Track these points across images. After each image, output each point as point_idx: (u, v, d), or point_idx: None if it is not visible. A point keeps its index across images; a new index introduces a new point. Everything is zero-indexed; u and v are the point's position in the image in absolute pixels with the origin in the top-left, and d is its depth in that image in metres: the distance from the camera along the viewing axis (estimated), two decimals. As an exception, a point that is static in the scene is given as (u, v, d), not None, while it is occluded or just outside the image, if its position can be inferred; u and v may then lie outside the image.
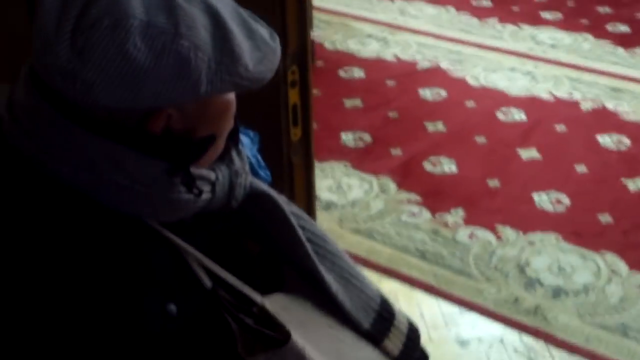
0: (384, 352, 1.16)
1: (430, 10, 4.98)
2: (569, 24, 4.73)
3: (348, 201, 3.15)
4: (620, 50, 4.37)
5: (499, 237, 2.91)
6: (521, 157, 3.43)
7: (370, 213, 3.07)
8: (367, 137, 3.59)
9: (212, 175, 0.99)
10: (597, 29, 4.65)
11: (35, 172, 0.92)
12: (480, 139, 3.56)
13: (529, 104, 3.86)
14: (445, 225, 2.99)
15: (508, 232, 2.94)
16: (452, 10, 4.97)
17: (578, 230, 2.94)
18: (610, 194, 3.15)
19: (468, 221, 3.01)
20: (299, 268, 1.12)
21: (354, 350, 1.12)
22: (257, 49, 0.93)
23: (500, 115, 3.76)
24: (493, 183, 3.24)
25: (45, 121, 0.90)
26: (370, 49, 4.47)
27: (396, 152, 3.47)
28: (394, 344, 1.17)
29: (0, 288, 0.88)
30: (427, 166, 3.36)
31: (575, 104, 3.85)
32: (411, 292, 2.66)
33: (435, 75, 4.16)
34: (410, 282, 2.70)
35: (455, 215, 3.04)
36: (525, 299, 2.61)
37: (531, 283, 2.68)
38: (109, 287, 0.89)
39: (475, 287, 2.67)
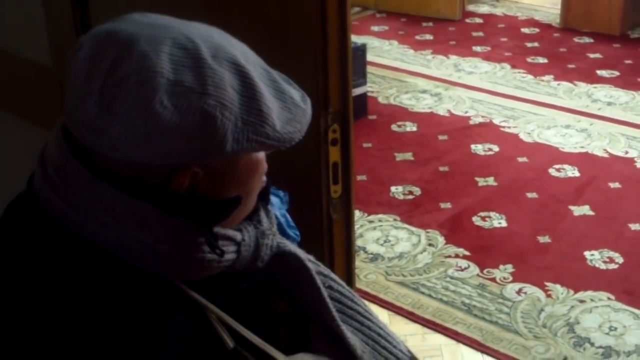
0: None
1: (485, 66, 4.99)
2: (625, 82, 4.69)
3: (395, 254, 3.13)
4: (679, 109, 4.30)
5: (548, 295, 2.85)
6: (573, 213, 3.37)
7: (417, 266, 3.05)
8: (417, 191, 3.58)
9: (237, 236, 0.98)
10: (655, 88, 4.59)
11: (61, 228, 0.92)
12: (532, 195, 3.52)
13: (583, 160, 3.81)
14: (493, 280, 2.94)
15: (558, 289, 2.88)
16: (507, 67, 4.97)
17: (631, 289, 2.86)
18: (665, 254, 3.06)
19: (517, 277, 2.95)
20: (325, 328, 1.10)
21: None
22: (287, 109, 0.93)
23: (552, 172, 3.72)
24: (544, 239, 3.19)
25: (73, 176, 0.91)
26: (423, 104, 4.49)
27: (445, 206, 3.45)
28: None
29: (19, 345, 0.87)
30: (477, 221, 3.32)
31: (630, 161, 3.78)
32: (456, 347, 2.62)
33: (487, 131, 4.15)
34: (456, 337, 2.65)
35: (504, 271, 2.99)
36: (574, 358, 2.53)
37: (581, 342, 2.61)
38: (130, 346, 0.87)
39: (522, 345, 2.60)
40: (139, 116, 0.85)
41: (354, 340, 1.09)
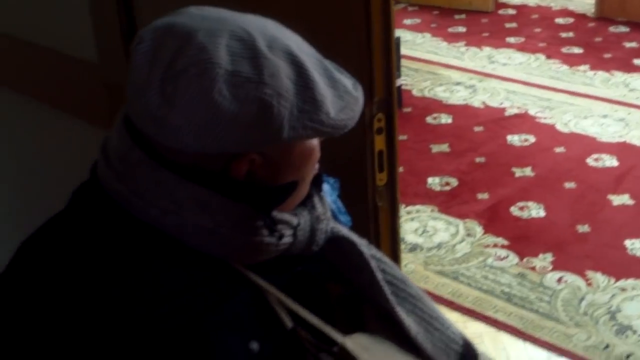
0: None
1: (520, 57, 4.98)
2: (663, 71, 4.65)
3: (434, 244, 3.15)
4: None
5: (589, 283, 2.85)
6: (612, 203, 3.36)
7: (456, 256, 3.06)
8: (454, 182, 3.59)
9: (294, 220, 1.01)
10: (693, 76, 4.54)
11: (125, 214, 0.96)
12: (570, 185, 3.51)
13: (621, 150, 3.79)
14: (533, 269, 2.94)
15: (599, 277, 2.87)
16: (541, 57, 4.95)
17: (672, 277, 2.85)
18: None
19: (557, 266, 2.95)
20: (379, 310, 1.12)
21: None
22: (340, 97, 0.96)
23: (590, 162, 3.71)
24: (583, 229, 3.18)
25: (136, 165, 0.95)
26: (458, 96, 4.49)
27: (483, 196, 3.46)
28: None
29: (86, 330, 0.90)
30: (515, 211, 3.33)
31: (669, 151, 3.76)
32: (497, 335, 2.63)
33: (523, 122, 4.14)
34: (496, 325, 2.66)
35: (544, 260, 2.99)
36: (616, 346, 2.53)
37: (623, 330, 2.61)
38: (194, 326, 0.91)
39: (564, 332, 2.61)
40: (199, 106, 0.88)
41: (408, 321, 1.11)
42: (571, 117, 4.15)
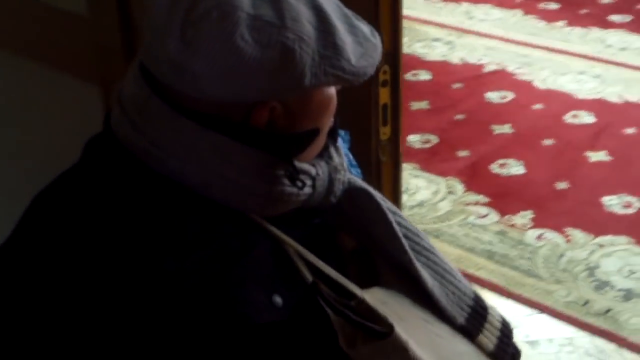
0: (479, 347, 1.15)
1: (497, 13, 4.96)
2: (639, 27, 4.66)
3: (416, 202, 3.17)
4: (693, 53, 4.29)
5: (568, 240, 2.90)
6: (590, 159, 3.40)
7: (438, 214, 3.09)
8: (434, 139, 3.60)
9: (312, 170, 1.00)
10: (669, 32, 4.58)
11: (141, 165, 0.94)
12: (548, 142, 3.54)
13: (598, 106, 3.82)
14: (513, 226, 2.98)
15: (577, 234, 2.92)
16: (519, 13, 4.94)
17: (649, 233, 2.91)
18: (682, 198, 3.10)
19: (537, 223, 2.99)
20: (395, 263, 1.12)
21: (451, 344, 1.11)
22: (359, 44, 0.95)
23: (568, 118, 3.74)
24: (561, 186, 3.22)
25: (155, 114, 0.93)
26: (436, 52, 4.48)
27: (463, 154, 3.48)
28: (489, 339, 1.16)
29: (111, 285, 0.89)
30: (495, 168, 3.35)
31: (646, 107, 3.80)
32: (480, 292, 2.66)
33: (501, 79, 4.15)
34: (479, 283, 2.70)
35: (524, 217, 3.03)
36: (596, 302, 2.59)
37: (601, 286, 2.66)
38: (219, 280, 0.90)
39: (544, 289, 2.66)
40: (220, 52, 0.87)
41: (424, 273, 1.11)
42: (549, 74, 4.17)
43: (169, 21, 0.89)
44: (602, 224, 2.98)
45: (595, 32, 4.63)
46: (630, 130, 3.60)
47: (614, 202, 3.10)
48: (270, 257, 0.98)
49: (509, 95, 3.97)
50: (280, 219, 1.00)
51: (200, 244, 0.92)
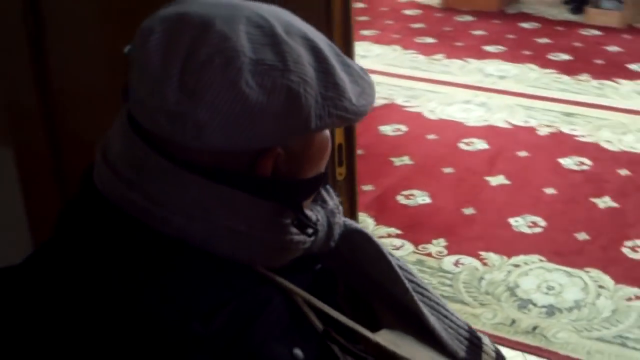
0: None
1: (377, 49, 5.09)
2: (512, 56, 4.90)
3: (330, 239, 3.15)
4: (566, 78, 4.54)
5: (484, 263, 2.95)
6: (490, 183, 3.50)
7: (355, 249, 3.07)
8: (338, 176, 3.61)
9: (313, 217, 0.96)
10: (540, 59, 4.83)
11: (140, 226, 0.87)
12: (448, 170, 3.63)
13: (488, 133, 3.96)
14: (430, 255, 3.01)
15: (492, 257, 2.98)
16: (398, 48, 5.08)
17: (558, 250, 3.01)
18: (582, 213, 3.24)
19: (451, 250, 3.04)
20: (395, 303, 1.09)
21: None
22: (355, 83, 0.91)
23: (462, 146, 3.84)
24: (468, 211, 3.29)
25: (155, 171, 0.86)
26: (325, 91, 4.52)
27: (368, 188, 3.50)
28: None
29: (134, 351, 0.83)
30: (401, 200, 3.39)
31: (532, 130, 3.96)
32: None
33: (392, 112, 4.23)
34: (407, 313, 2.70)
35: (438, 245, 3.07)
36: (522, 320, 2.64)
37: (524, 304, 2.72)
38: (242, 338, 0.85)
39: (471, 313, 2.69)
40: (226, 99, 0.81)
41: (426, 311, 1.09)
42: (436, 105, 4.29)
43: (165, 71, 0.83)
44: (512, 244, 3.06)
45: (474, 63, 4.82)
46: (522, 154, 3.74)
47: (520, 223, 3.19)
48: (284, 310, 0.92)
49: (402, 128, 4.05)
50: (283, 268, 0.95)
51: (221, 304, 0.85)
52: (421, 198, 3.39)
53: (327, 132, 0.96)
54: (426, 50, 5.04)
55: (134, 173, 0.87)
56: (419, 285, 1.12)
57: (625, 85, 4.41)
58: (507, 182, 3.50)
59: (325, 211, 0.99)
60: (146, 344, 0.81)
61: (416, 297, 1.10)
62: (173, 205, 0.86)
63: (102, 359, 0.82)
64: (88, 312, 0.84)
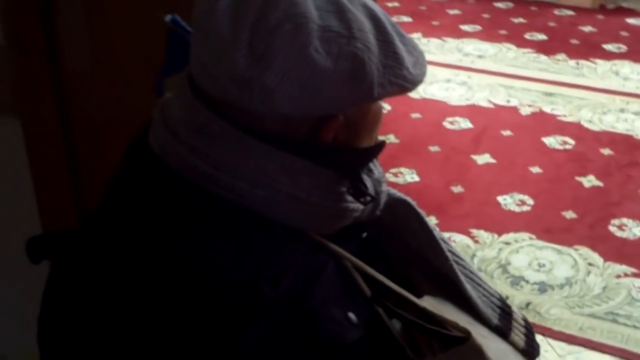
0: (512, 345, 1.18)
1: (356, 28, 5.08)
2: (489, 36, 4.94)
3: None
4: (543, 58, 4.60)
5: (475, 240, 3.00)
6: (477, 162, 3.55)
7: (348, 227, 3.10)
8: (326, 154, 3.62)
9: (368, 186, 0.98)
10: (517, 39, 4.88)
11: (199, 190, 0.89)
12: (434, 148, 3.67)
13: (471, 112, 4.00)
14: (421, 233, 3.05)
15: (483, 234, 3.04)
16: (376, 27, 5.08)
17: (547, 227, 3.07)
18: (568, 192, 3.30)
19: (442, 227, 3.07)
20: (434, 271, 1.12)
21: (495, 343, 1.13)
22: (410, 53, 0.93)
23: (447, 125, 3.88)
24: (457, 189, 3.34)
25: (218, 136, 0.87)
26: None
27: (356, 166, 3.52)
28: (519, 337, 1.19)
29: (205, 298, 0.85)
30: (390, 177, 3.42)
31: (514, 110, 4.02)
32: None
33: (375, 90, 4.25)
34: (405, 290, 2.74)
35: (429, 223, 3.11)
36: (515, 297, 2.70)
37: (516, 281, 2.78)
38: (306, 300, 0.88)
39: (466, 290, 2.73)
40: (295, 64, 0.83)
41: (463, 279, 1.12)
42: (418, 84, 4.32)
43: (233, 37, 0.83)
44: (502, 222, 3.12)
45: (451, 42, 4.85)
46: (506, 133, 3.79)
47: (508, 201, 3.25)
48: (338, 275, 0.95)
49: (386, 106, 4.06)
50: (333, 236, 0.97)
51: (285, 268, 0.88)
52: (410, 176, 3.43)
53: (380, 102, 0.97)
54: (403, 29, 5.01)
55: (196, 138, 0.88)
56: (456, 255, 1.16)
57: (602, 65, 4.49)
58: (493, 160, 3.56)
59: (372, 180, 1.01)
60: (222, 302, 0.84)
61: (454, 266, 1.13)
62: (236, 171, 0.87)
63: (178, 315, 0.84)
64: (162, 271, 0.86)
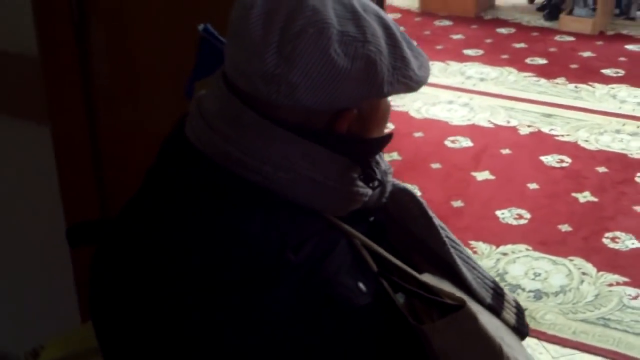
0: (504, 322, 1.30)
1: (362, 51, 5.24)
2: (490, 60, 5.10)
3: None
4: (543, 81, 4.75)
5: (474, 252, 3.13)
6: (476, 179, 3.68)
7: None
8: (331, 169, 3.76)
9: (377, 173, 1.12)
10: (518, 63, 5.04)
11: (232, 174, 1.02)
12: (436, 166, 3.80)
13: (472, 131, 4.14)
14: (423, 244, 3.17)
15: (481, 246, 3.16)
16: (382, 51, 5.24)
17: (543, 240, 3.20)
18: (564, 207, 3.43)
19: (442, 239, 3.20)
20: (432, 255, 1.23)
21: (489, 317, 1.25)
22: (416, 57, 1.07)
23: (448, 143, 4.03)
24: (457, 204, 3.47)
25: (249, 125, 1.01)
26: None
27: (360, 181, 3.65)
28: (510, 315, 1.30)
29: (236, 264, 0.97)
30: (393, 192, 3.55)
31: (514, 130, 4.16)
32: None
33: (379, 111, 4.39)
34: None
35: (430, 235, 3.23)
36: (511, 303, 2.81)
37: (513, 289, 2.90)
38: (322, 267, 1.01)
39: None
40: (317, 63, 0.96)
41: (459, 261, 1.24)
42: (421, 104, 4.47)
43: (264, 39, 0.98)
44: (500, 235, 3.25)
45: (454, 66, 5.01)
46: (505, 151, 3.93)
47: (506, 215, 3.38)
48: (349, 251, 1.08)
49: (389, 126, 4.21)
50: (345, 218, 1.11)
51: (305, 240, 1.01)
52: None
53: (388, 100, 1.12)
54: (409, 52, 5.20)
55: (230, 128, 1.02)
56: (453, 240, 1.28)
57: (600, 89, 4.64)
58: (492, 177, 3.69)
59: (379, 170, 1.14)
60: (251, 264, 0.97)
61: (451, 250, 1.26)
62: (263, 156, 1.01)
63: (216, 276, 0.97)
64: (203, 241, 0.99)
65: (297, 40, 0.97)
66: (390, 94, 1.04)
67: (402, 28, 1.08)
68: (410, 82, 1.05)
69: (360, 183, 1.07)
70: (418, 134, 4.13)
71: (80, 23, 1.86)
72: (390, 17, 1.09)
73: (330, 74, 0.97)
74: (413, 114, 4.36)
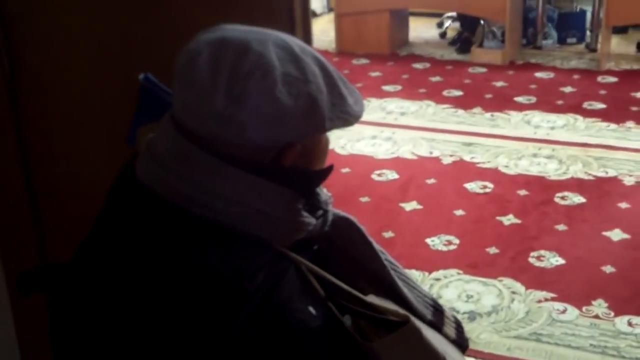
0: (445, 336, 1.38)
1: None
2: (409, 94, 5.27)
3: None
4: (461, 112, 4.93)
5: (408, 279, 3.21)
6: (405, 209, 3.79)
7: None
8: (263, 209, 3.82)
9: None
10: (436, 96, 5.22)
11: (184, 211, 1.08)
12: (365, 199, 3.90)
13: (397, 164, 4.27)
14: (358, 275, 3.25)
15: (415, 273, 3.26)
16: (304, 91, 5.35)
17: (473, 263, 3.31)
18: (489, 230, 3.57)
19: (377, 269, 3.29)
20: (374, 278, 1.32)
21: (433, 333, 1.32)
22: (350, 93, 1.15)
23: (375, 177, 4.14)
24: (388, 234, 3.57)
25: (199, 164, 1.07)
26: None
27: (292, 219, 3.71)
28: (450, 330, 1.38)
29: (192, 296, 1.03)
30: (325, 228, 3.62)
31: (437, 160, 4.30)
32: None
33: (306, 149, 4.48)
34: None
35: (364, 266, 3.31)
36: (447, 326, 2.91)
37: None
38: (276, 293, 1.06)
39: (402, 323, 2.93)
40: (265, 104, 1.04)
41: (399, 282, 1.32)
42: (346, 141, 4.58)
43: (214, 82, 1.05)
44: (431, 261, 3.35)
45: (375, 102, 5.16)
46: (430, 181, 4.06)
47: (436, 242, 3.49)
48: (298, 278, 1.15)
49: (317, 163, 4.30)
50: (292, 247, 1.17)
51: (258, 269, 1.07)
52: (343, 225, 3.64)
53: (328, 134, 1.20)
54: (330, 91, 5.33)
55: (180, 167, 1.08)
56: (392, 263, 1.37)
57: (515, 116, 4.85)
58: (419, 206, 3.81)
59: (321, 200, 1.22)
60: (212, 295, 1.03)
61: (391, 272, 1.34)
62: (214, 192, 1.07)
63: (176, 305, 1.03)
64: (160, 278, 1.05)
65: (245, 82, 1.04)
66: (330, 129, 1.11)
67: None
68: (349, 117, 1.13)
69: (305, 213, 1.14)
70: (345, 170, 4.23)
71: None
72: (324, 58, 1.17)
73: (277, 112, 1.05)
74: (339, 150, 4.46)
